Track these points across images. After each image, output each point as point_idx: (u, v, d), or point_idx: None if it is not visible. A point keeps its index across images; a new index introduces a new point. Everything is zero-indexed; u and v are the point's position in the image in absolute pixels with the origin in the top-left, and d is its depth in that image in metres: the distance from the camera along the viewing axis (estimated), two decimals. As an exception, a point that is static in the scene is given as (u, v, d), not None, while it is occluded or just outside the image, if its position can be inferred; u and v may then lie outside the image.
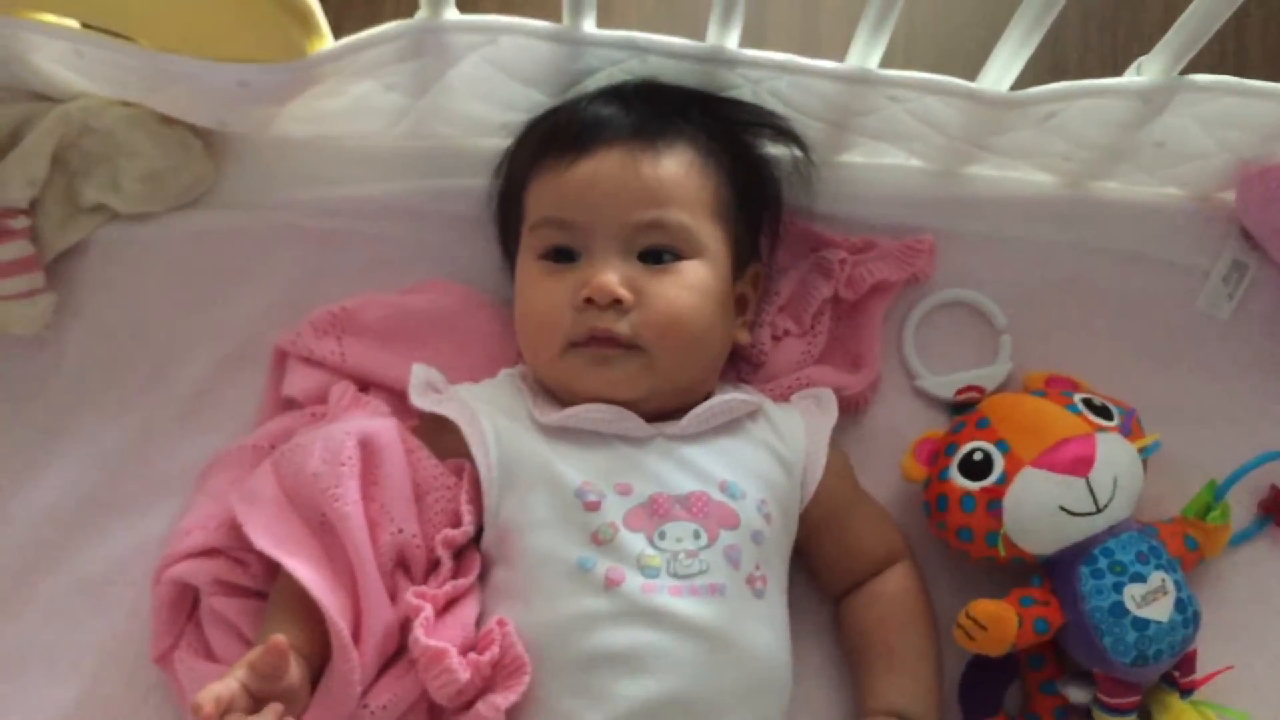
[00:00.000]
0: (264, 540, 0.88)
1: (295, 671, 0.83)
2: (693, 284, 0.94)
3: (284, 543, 0.88)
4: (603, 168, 0.94)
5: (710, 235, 0.96)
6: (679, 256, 0.95)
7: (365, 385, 1.02)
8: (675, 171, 0.95)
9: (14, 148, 1.02)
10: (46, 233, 1.04)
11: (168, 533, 0.98)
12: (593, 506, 0.90)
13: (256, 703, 0.80)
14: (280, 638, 0.80)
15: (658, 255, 0.95)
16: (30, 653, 0.98)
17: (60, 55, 0.99)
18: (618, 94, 0.99)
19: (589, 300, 0.92)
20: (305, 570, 0.86)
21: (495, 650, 0.86)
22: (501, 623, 0.87)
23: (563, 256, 0.96)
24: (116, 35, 0.96)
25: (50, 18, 0.96)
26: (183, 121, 1.06)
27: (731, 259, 0.99)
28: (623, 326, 0.92)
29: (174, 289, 1.07)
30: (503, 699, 0.84)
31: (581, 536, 0.89)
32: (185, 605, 0.95)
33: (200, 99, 1.02)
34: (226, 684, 0.79)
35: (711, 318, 0.96)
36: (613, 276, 0.93)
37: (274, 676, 0.81)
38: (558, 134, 0.98)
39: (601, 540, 0.89)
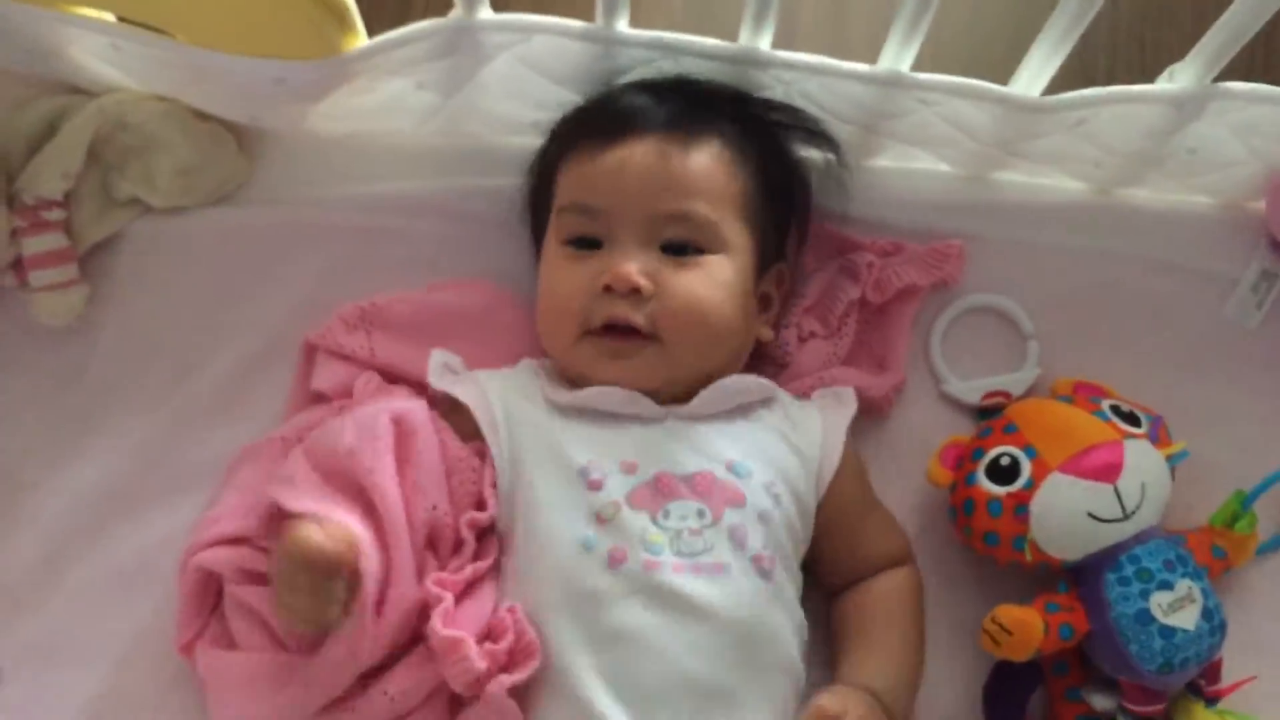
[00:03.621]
0: (305, 505, 0.87)
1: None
2: (713, 278, 0.95)
3: (324, 507, 0.87)
4: (632, 156, 0.95)
5: (734, 231, 0.97)
6: (701, 250, 0.95)
7: (393, 380, 1.02)
8: (703, 165, 0.96)
9: (50, 140, 1.03)
10: (80, 225, 1.05)
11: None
12: (595, 485, 0.90)
13: None
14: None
15: (680, 248, 0.95)
16: (59, 641, 0.99)
17: (97, 49, 1.00)
18: (653, 86, 1.00)
19: (608, 287, 0.93)
20: (351, 522, 0.86)
21: (510, 637, 0.86)
22: (512, 610, 0.87)
23: (586, 243, 0.96)
24: (153, 30, 0.97)
25: (88, 11, 0.97)
26: (217, 117, 1.07)
27: (755, 257, 0.99)
28: (639, 316, 0.93)
29: (206, 283, 1.07)
30: (508, 678, 0.85)
31: (585, 516, 0.89)
32: (210, 596, 0.96)
33: (235, 95, 1.03)
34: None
35: (730, 312, 0.96)
36: (632, 265, 0.93)
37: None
38: (591, 121, 0.99)
39: (604, 519, 0.89)
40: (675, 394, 0.96)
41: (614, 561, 0.88)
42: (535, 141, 1.06)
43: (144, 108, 1.04)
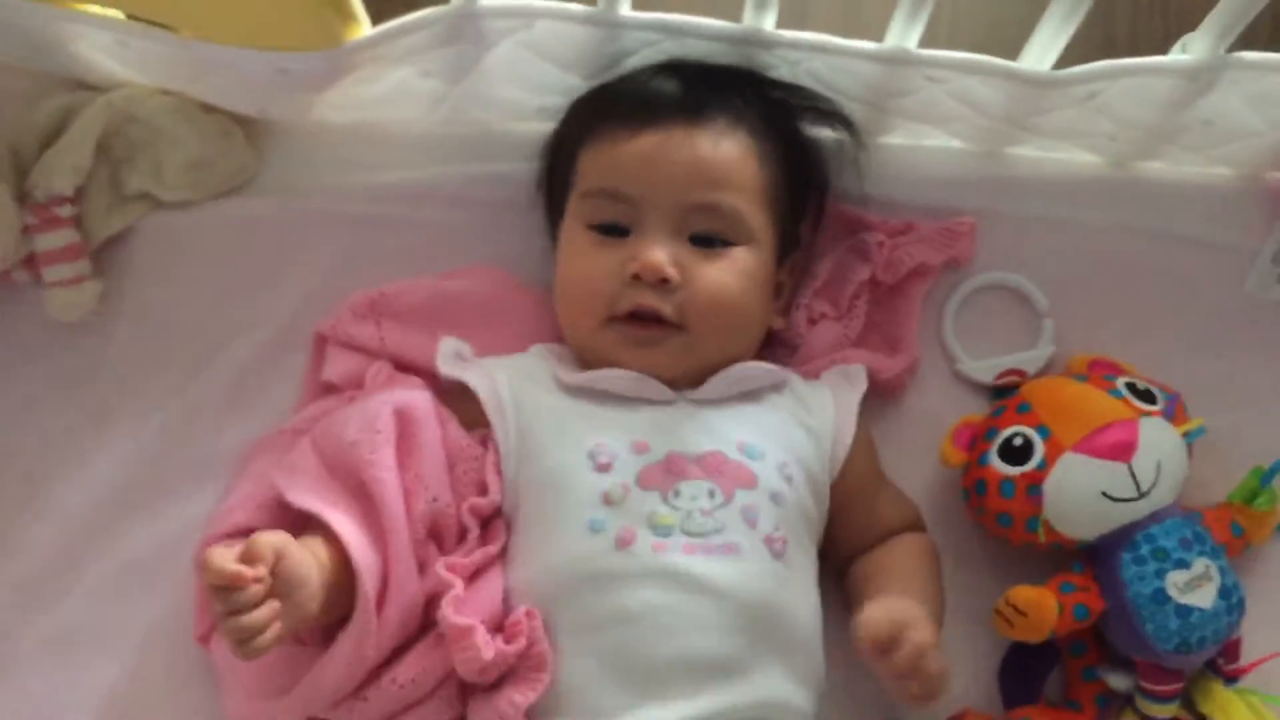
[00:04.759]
0: (304, 498, 0.88)
1: (314, 583, 0.82)
2: (739, 270, 0.95)
3: (323, 502, 0.88)
4: (663, 145, 0.94)
5: (759, 223, 0.96)
6: (728, 242, 0.95)
7: (404, 369, 1.02)
8: (734, 156, 0.96)
9: (59, 137, 1.04)
10: (91, 220, 1.05)
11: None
12: (604, 468, 0.90)
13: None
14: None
15: (708, 239, 0.95)
16: (79, 633, 1.00)
17: (104, 45, 1.01)
18: (679, 70, 0.99)
19: (636, 276, 0.93)
20: (344, 523, 0.86)
21: (522, 641, 0.86)
22: (530, 614, 0.87)
23: (613, 229, 0.96)
24: (159, 25, 0.98)
25: (95, 8, 0.98)
26: (224, 110, 1.07)
27: (776, 247, 0.99)
28: (667, 306, 0.93)
29: (217, 275, 1.08)
30: (522, 697, 0.85)
31: (592, 497, 0.89)
32: (226, 586, 0.96)
33: (240, 87, 1.03)
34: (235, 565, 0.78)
35: (754, 304, 0.96)
36: (662, 255, 0.93)
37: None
38: (619, 103, 0.98)
39: (612, 501, 0.89)
40: (690, 381, 0.96)
41: (622, 543, 0.88)
42: (542, 127, 1.06)
43: (151, 102, 1.04)
